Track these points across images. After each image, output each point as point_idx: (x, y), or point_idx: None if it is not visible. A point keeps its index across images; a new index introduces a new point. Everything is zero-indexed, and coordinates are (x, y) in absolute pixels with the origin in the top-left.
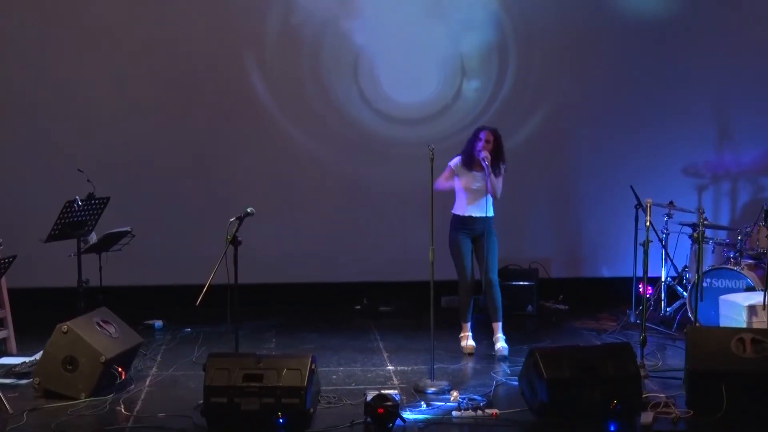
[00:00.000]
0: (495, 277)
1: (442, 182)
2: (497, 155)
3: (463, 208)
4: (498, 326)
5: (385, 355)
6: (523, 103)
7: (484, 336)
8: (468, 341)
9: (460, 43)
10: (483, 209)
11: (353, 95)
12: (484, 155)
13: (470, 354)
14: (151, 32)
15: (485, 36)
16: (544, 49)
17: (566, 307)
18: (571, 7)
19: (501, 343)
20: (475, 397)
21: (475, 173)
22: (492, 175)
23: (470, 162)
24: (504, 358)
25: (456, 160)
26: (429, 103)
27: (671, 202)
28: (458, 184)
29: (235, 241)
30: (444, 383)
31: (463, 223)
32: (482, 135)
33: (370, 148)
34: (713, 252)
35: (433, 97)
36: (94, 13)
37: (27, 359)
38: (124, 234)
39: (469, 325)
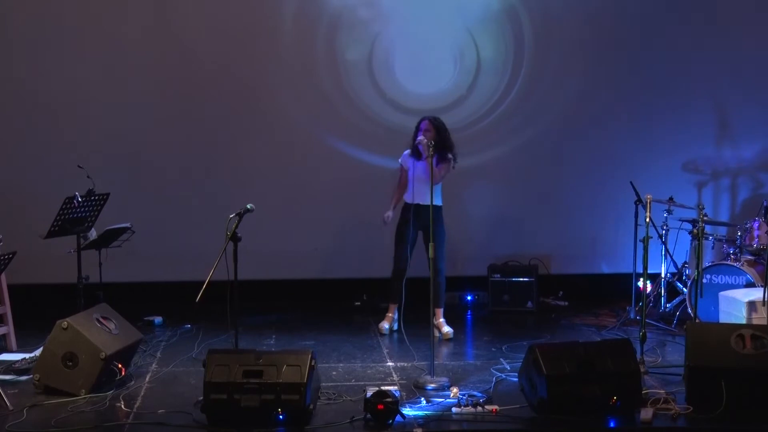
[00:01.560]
0: (441, 265)
1: (402, 182)
2: (440, 143)
3: (410, 195)
4: (440, 312)
5: (385, 351)
6: (536, 98)
7: (484, 332)
8: (391, 323)
9: (476, 34)
10: (427, 197)
11: (366, 85)
12: (420, 139)
13: (382, 335)
14: (154, 25)
15: (501, 28)
16: (560, 43)
17: (566, 303)
18: (580, 4)
19: (447, 327)
20: (475, 393)
21: (420, 161)
22: (430, 159)
23: (415, 151)
24: (450, 340)
25: (404, 154)
26: (443, 94)
27: (671, 198)
28: (408, 174)
29: (234, 238)
30: (444, 380)
31: (409, 211)
32: (422, 125)
33: (376, 140)
34: (713, 248)
35: (448, 88)
36: (97, 8)
37: (27, 356)
38: (124, 230)
39: (396, 307)
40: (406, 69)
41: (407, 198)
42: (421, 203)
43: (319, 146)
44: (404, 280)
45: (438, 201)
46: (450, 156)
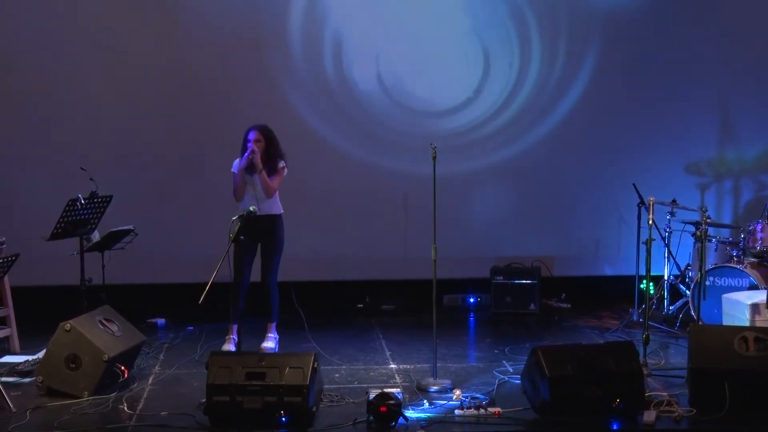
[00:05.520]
0: (271, 279)
1: (237, 188)
2: (270, 152)
3: (244, 206)
4: (272, 326)
5: (388, 353)
6: (540, 101)
7: (487, 334)
8: (230, 345)
9: (483, 37)
10: (265, 208)
11: (373, 86)
12: (249, 153)
13: None
14: (157, 26)
15: (508, 31)
16: (565, 47)
17: (569, 305)
18: (584, 7)
19: (267, 343)
20: (478, 395)
21: (253, 174)
22: (263, 173)
23: (247, 164)
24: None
25: (235, 163)
26: (450, 96)
27: (674, 200)
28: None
29: (237, 240)
30: (446, 382)
31: (246, 223)
32: (250, 135)
33: (379, 142)
34: (716, 250)
35: (454, 91)
36: (100, 9)
37: (30, 357)
38: (127, 232)
39: (235, 327)
40: (412, 71)
41: (242, 208)
42: (258, 214)
43: (321, 148)
44: (244, 294)
45: (278, 209)
46: (282, 164)
